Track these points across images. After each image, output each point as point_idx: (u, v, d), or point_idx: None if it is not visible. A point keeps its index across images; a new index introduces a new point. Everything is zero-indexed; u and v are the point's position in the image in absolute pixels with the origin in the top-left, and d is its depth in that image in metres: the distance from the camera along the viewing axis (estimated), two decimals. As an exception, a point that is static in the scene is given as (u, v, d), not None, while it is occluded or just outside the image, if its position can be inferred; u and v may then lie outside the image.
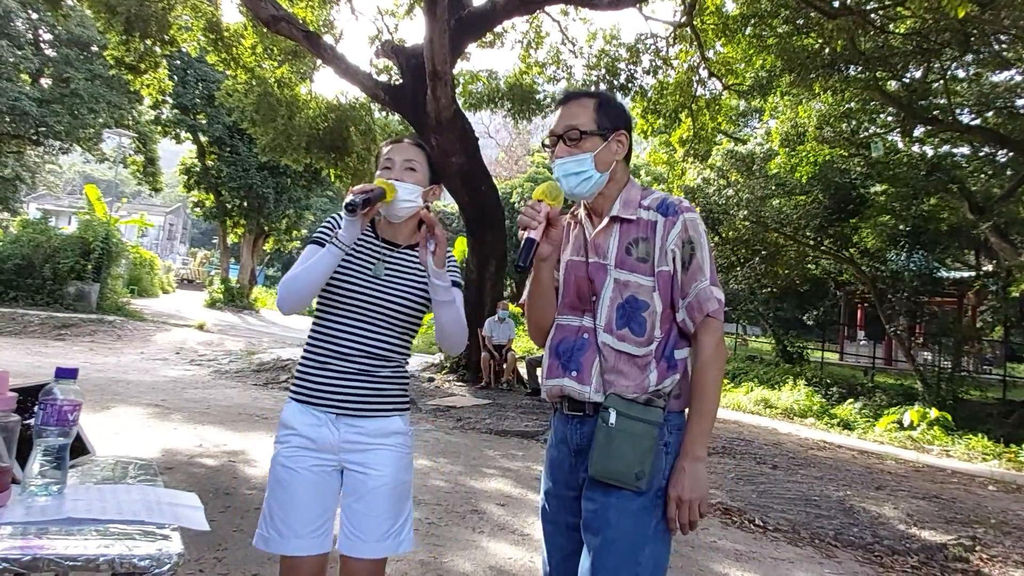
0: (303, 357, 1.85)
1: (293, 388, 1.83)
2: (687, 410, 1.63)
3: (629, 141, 1.73)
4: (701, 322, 1.60)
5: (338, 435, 1.77)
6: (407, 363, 1.93)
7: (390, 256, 1.87)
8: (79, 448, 1.58)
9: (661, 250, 1.62)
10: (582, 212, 1.79)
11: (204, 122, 23.90)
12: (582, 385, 1.63)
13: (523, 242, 1.60)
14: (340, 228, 1.75)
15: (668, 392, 1.59)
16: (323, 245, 1.80)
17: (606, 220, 1.68)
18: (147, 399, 7.17)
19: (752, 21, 10.24)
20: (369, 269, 1.82)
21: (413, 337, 1.92)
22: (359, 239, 1.85)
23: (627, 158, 1.74)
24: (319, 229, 1.88)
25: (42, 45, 23.01)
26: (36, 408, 1.28)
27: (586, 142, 1.66)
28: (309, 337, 1.86)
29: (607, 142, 1.67)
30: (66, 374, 1.32)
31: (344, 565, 1.79)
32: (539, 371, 10.03)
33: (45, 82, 23.01)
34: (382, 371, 1.83)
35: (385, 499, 1.78)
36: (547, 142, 1.75)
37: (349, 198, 1.68)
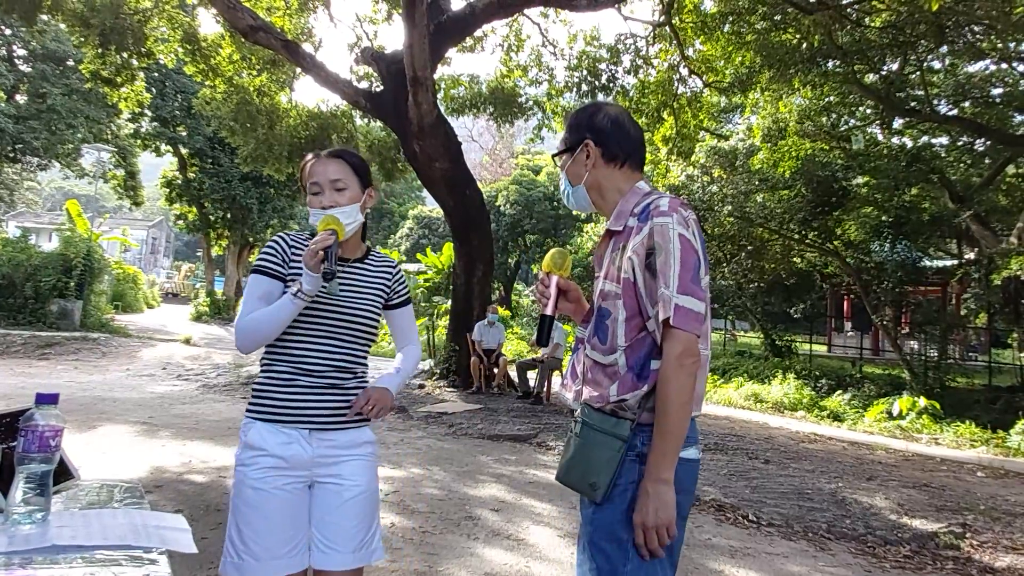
0: (264, 376, 1.82)
1: (256, 408, 1.79)
2: None
3: (603, 147, 1.70)
4: (662, 332, 1.49)
5: (311, 451, 1.76)
6: (367, 373, 1.95)
7: (341, 272, 1.87)
8: (62, 473, 1.55)
9: (625, 256, 1.58)
10: None
11: (184, 134, 23.71)
12: (566, 392, 1.73)
13: (539, 319, 1.73)
14: (303, 279, 1.72)
15: (635, 405, 1.52)
16: (272, 276, 1.80)
17: (604, 234, 1.72)
18: (134, 416, 7.09)
19: (730, 18, 10.31)
20: (325, 287, 1.80)
21: (371, 346, 1.94)
22: None
23: (619, 164, 1.71)
24: (263, 256, 1.83)
25: (16, 61, 22.77)
26: (17, 435, 1.26)
27: (560, 161, 1.79)
28: (268, 357, 1.83)
29: (573, 155, 1.73)
30: (46, 399, 1.29)
31: None
32: (531, 375, 10.07)
33: (21, 98, 22.76)
34: (349, 383, 1.85)
35: (360, 508, 1.80)
36: None
37: (325, 267, 1.69)
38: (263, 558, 1.68)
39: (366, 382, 1.92)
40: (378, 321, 1.92)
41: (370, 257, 1.97)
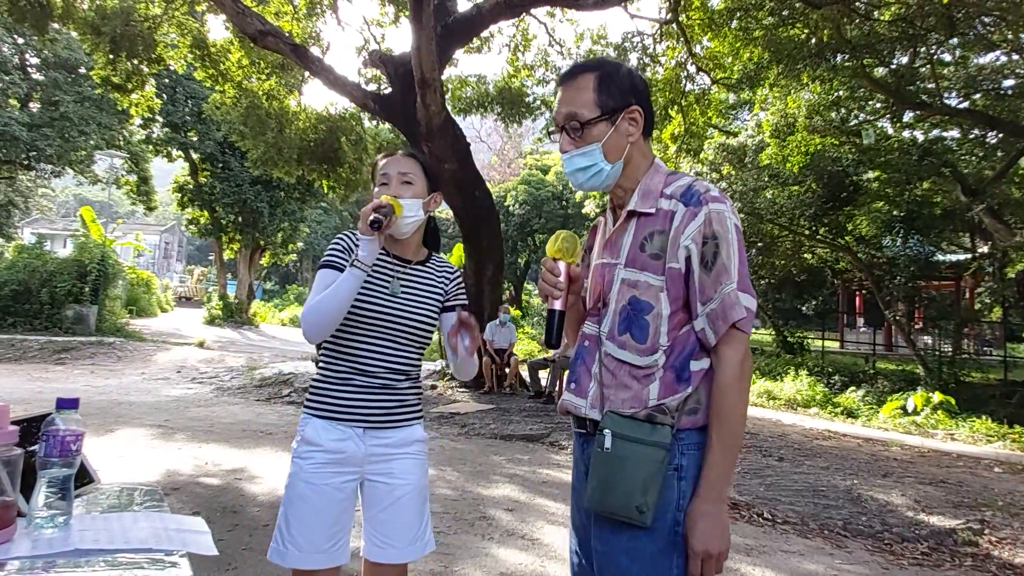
0: (321, 374, 1.86)
1: (313, 405, 1.84)
2: (706, 428, 1.36)
3: (645, 115, 1.45)
4: (725, 333, 1.33)
5: (364, 448, 1.81)
6: (420, 374, 1.99)
7: (403, 273, 1.91)
8: (82, 476, 1.57)
9: (673, 244, 1.35)
10: (608, 205, 1.58)
11: (195, 139, 23.87)
12: (578, 398, 1.45)
13: (547, 316, 1.47)
14: (359, 248, 1.75)
15: (675, 407, 1.33)
16: (338, 268, 1.82)
17: (623, 216, 1.45)
18: (150, 420, 7.16)
19: (737, 14, 10.27)
20: (386, 287, 1.85)
21: (425, 349, 1.97)
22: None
23: (648, 132, 1.48)
24: (330, 252, 1.87)
25: (29, 69, 23.00)
26: (39, 440, 1.27)
27: (591, 131, 1.42)
28: (324, 355, 1.88)
29: (615, 125, 1.42)
30: (67, 404, 1.31)
31: (372, 570, 1.84)
32: (542, 375, 10.06)
33: (34, 106, 23.00)
34: (402, 383, 1.88)
35: (411, 505, 1.85)
36: (551, 129, 1.52)
37: (372, 216, 1.70)
38: (305, 549, 1.75)
39: (419, 383, 1.97)
40: (435, 325, 1.95)
41: (431, 261, 1.99)
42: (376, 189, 1.90)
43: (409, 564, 1.86)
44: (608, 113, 1.42)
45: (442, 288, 1.97)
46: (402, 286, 1.88)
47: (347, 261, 1.83)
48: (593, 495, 1.34)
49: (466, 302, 2.04)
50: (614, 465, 1.31)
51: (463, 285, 2.04)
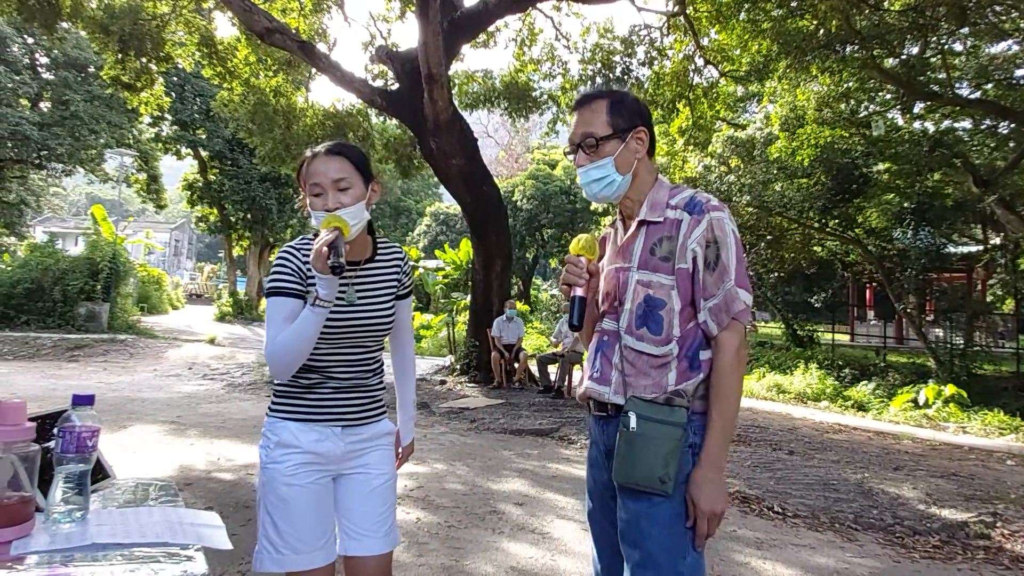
0: (288, 379, 1.80)
1: (285, 408, 1.80)
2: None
3: (649, 136, 1.71)
4: (727, 324, 1.56)
5: (343, 446, 1.82)
6: (383, 364, 1.98)
7: (356, 277, 1.83)
8: (98, 472, 1.59)
9: (682, 248, 1.59)
10: (617, 217, 1.81)
11: (204, 137, 23.99)
12: (602, 386, 1.66)
13: (571, 301, 1.66)
14: (318, 287, 1.65)
15: (690, 392, 1.57)
16: (293, 295, 1.72)
17: (634, 225, 1.69)
18: (163, 416, 7.22)
19: (745, 6, 10.19)
20: (342, 298, 1.77)
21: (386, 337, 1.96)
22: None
23: (651, 152, 1.73)
24: (279, 277, 1.73)
25: (39, 69, 23.16)
26: (55, 436, 1.29)
27: (604, 147, 1.67)
28: None
29: (625, 143, 1.67)
30: (83, 401, 1.33)
31: (358, 567, 1.82)
32: (551, 369, 10.07)
33: (44, 106, 23.16)
34: (371, 380, 1.90)
35: (387, 494, 1.89)
36: (567, 150, 1.77)
37: (332, 260, 1.58)
38: (302, 551, 1.73)
39: (383, 373, 1.97)
40: (394, 317, 1.91)
41: (379, 253, 1.91)
42: (309, 200, 1.75)
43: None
44: (620, 132, 1.67)
45: (396, 279, 1.91)
46: (357, 290, 1.81)
47: (301, 285, 1.73)
48: (620, 469, 1.56)
49: (412, 288, 2.01)
50: (639, 443, 1.53)
51: (410, 270, 2.00)
